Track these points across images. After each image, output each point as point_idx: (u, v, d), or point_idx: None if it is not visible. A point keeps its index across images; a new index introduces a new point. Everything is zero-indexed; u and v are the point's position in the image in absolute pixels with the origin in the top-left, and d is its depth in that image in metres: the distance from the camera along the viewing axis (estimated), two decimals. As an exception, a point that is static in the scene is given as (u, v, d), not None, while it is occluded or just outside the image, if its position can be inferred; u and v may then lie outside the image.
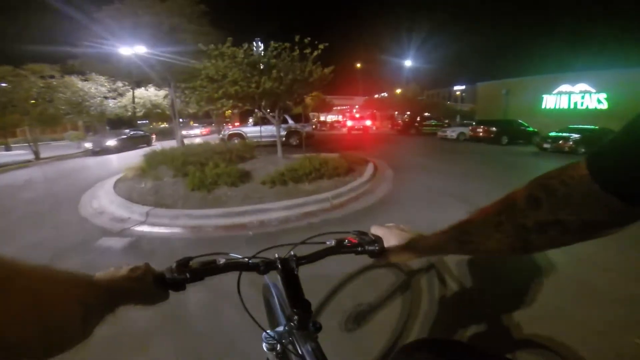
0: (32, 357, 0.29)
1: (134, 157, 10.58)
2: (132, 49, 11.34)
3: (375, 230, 0.78)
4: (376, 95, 46.21)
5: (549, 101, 23.92)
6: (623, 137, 0.34)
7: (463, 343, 0.87)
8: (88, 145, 17.28)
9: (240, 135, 13.93)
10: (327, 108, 38.99)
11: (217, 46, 7.20)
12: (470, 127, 17.74)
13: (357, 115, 28.21)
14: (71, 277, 0.39)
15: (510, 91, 26.99)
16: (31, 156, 16.47)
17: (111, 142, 16.66)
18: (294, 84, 7.55)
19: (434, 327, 2.17)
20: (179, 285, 0.60)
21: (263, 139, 13.47)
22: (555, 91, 23.72)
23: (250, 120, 15.97)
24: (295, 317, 0.66)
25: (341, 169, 6.72)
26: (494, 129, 16.08)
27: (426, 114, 25.72)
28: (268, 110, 8.23)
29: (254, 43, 7.66)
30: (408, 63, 36.52)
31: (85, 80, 18.62)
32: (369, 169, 7.50)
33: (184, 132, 21.53)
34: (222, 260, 0.66)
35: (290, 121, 14.09)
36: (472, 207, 4.57)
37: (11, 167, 13.68)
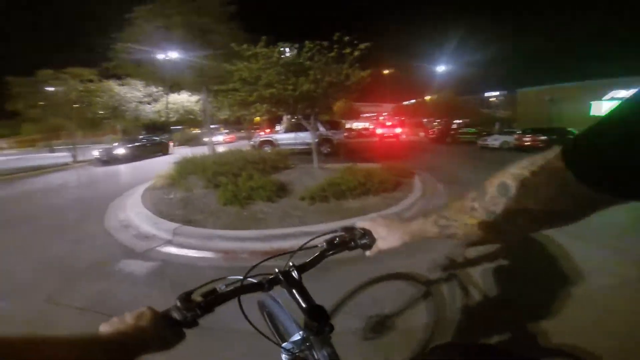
0: None
1: (143, 167, 10.89)
2: (164, 52, 11.14)
3: (362, 224, 0.78)
4: (405, 102, 44.94)
5: (599, 108, 22.01)
6: (597, 129, 0.35)
7: (493, 346, 0.99)
8: (95, 153, 15.24)
9: (271, 143, 13.41)
10: (355, 115, 38.19)
11: (249, 46, 6.66)
12: (515, 136, 16.28)
13: (389, 123, 27.19)
14: (76, 341, 0.35)
15: (554, 98, 25.16)
16: (70, 159, 16.94)
17: (120, 151, 14.89)
18: (330, 87, 6.92)
19: (456, 337, 2.07)
20: (192, 322, 0.57)
21: (296, 147, 12.89)
22: (607, 97, 21.73)
23: (278, 126, 15.47)
24: (315, 324, 0.64)
25: (388, 184, 5.86)
26: (543, 137, 14.63)
27: (459, 120, 24.36)
28: (299, 116, 7.61)
29: (288, 43, 7.05)
30: (441, 68, 34.99)
31: (122, 84, 18.96)
32: (417, 183, 6.60)
33: (206, 139, 20.44)
34: (223, 287, 0.64)
35: (322, 128, 13.38)
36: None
37: (49, 170, 13.94)
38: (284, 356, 0.76)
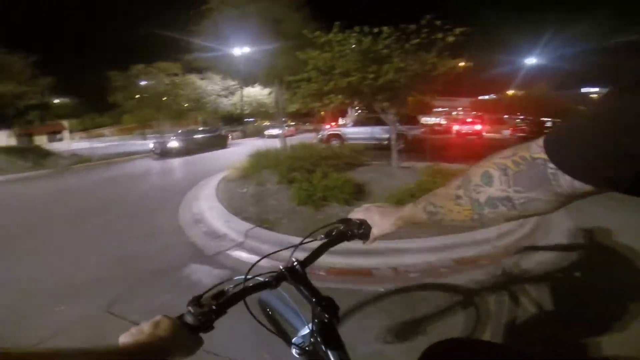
0: None
1: (199, 162, 10.72)
2: (237, 44, 11.16)
3: (357, 215, 0.78)
4: (482, 97, 40.55)
5: None
6: (578, 121, 0.37)
7: (492, 343, 0.94)
8: (152, 146, 14.71)
9: (339, 137, 12.75)
10: (427, 109, 35.51)
11: (322, 34, 6.10)
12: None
13: (469, 119, 24.61)
14: (95, 353, 0.35)
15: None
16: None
17: (174, 144, 13.96)
18: (416, 77, 6.04)
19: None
20: (208, 326, 0.58)
21: (366, 142, 12.05)
22: None
23: (343, 120, 14.69)
24: (326, 315, 0.66)
25: (491, 192, 4.73)
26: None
27: (550, 118, 20.98)
28: (364, 110, 6.82)
29: (364, 28, 6.26)
30: (531, 60, 30.43)
31: (203, 78, 20.12)
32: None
33: (275, 132, 19.72)
34: (231, 287, 0.64)
35: (396, 122, 12.27)
36: None
37: (139, 156, 15.32)
38: (294, 351, 0.77)
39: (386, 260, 3.16)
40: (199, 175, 8.13)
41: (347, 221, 0.80)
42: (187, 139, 15.05)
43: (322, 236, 0.79)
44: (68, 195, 7.13)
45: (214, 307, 0.58)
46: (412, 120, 12.42)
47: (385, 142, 12.28)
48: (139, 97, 17.25)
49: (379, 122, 12.67)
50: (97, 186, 7.96)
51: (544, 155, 0.38)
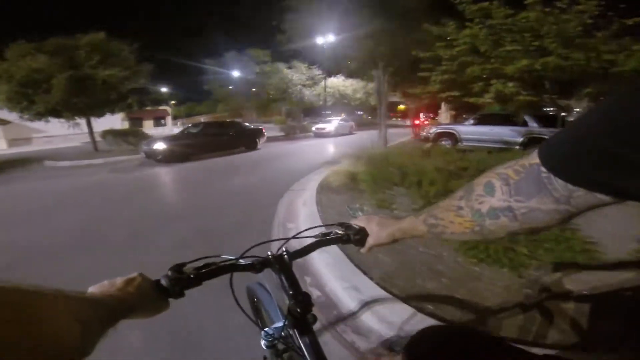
0: None
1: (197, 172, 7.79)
2: (329, 30, 9.40)
3: (358, 222, 0.76)
4: None
5: None
6: (570, 125, 0.37)
7: (471, 328, 0.98)
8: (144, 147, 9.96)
9: (451, 136, 10.11)
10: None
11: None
12: None
13: None
14: (63, 294, 0.35)
15: None
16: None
17: (161, 146, 9.34)
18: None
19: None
20: (178, 293, 0.56)
21: (489, 145, 9.32)
22: None
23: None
24: (298, 310, 0.63)
25: None
26: None
27: None
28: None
29: None
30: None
31: (289, 67, 19.15)
32: None
33: (315, 128, 17.83)
34: (217, 262, 0.64)
35: (532, 123, 9.16)
36: None
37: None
38: (263, 342, 0.74)
39: None
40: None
41: (346, 225, 0.76)
42: (183, 139, 10.23)
43: (319, 234, 0.76)
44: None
45: (190, 276, 0.57)
46: (552, 121, 9.14)
47: (517, 147, 9.33)
48: (229, 87, 16.97)
49: (507, 120, 9.80)
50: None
51: (537, 160, 0.38)
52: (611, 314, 1.89)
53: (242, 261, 0.66)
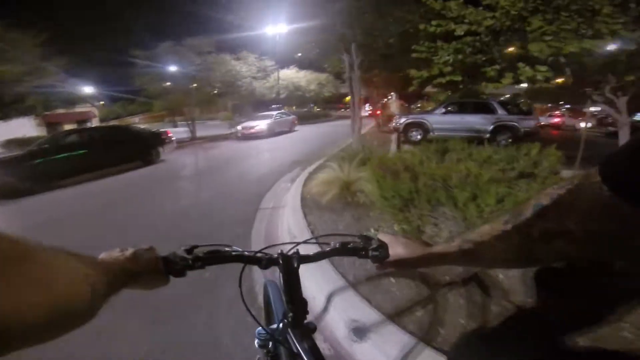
0: (40, 337, 0.27)
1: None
2: (285, 17, 8.16)
3: (382, 237, 0.67)
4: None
5: None
6: (636, 141, 0.32)
7: None
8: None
9: (422, 127, 9.50)
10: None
11: None
12: None
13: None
14: (79, 257, 0.36)
15: None
16: (188, 134, 16.15)
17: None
18: None
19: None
20: (179, 272, 0.55)
21: (460, 134, 8.90)
22: None
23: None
24: (290, 315, 0.63)
25: None
26: None
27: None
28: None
29: None
30: None
31: (237, 59, 17.26)
32: None
33: (243, 125, 14.08)
34: (225, 251, 0.63)
35: (500, 110, 8.92)
36: None
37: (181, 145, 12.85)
38: (256, 341, 0.74)
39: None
40: None
41: (367, 238, 0.67)
42: (27, 160, 6.56)
43: (337, 242, 0.68)
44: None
45: (195, 258, 0.57)
46: (519, 109, 9.03)
47: (487, 136, 9.04)
48: (165, 81, 14.62)
49: (478, 109, 9.48)
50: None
51: (599, 178, 0.33)
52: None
53: (252, 254, 0.64)
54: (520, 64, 3.85)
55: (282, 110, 17.23)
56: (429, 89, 24.79)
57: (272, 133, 14.24)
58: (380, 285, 1.93)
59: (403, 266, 0.64)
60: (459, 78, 4.53)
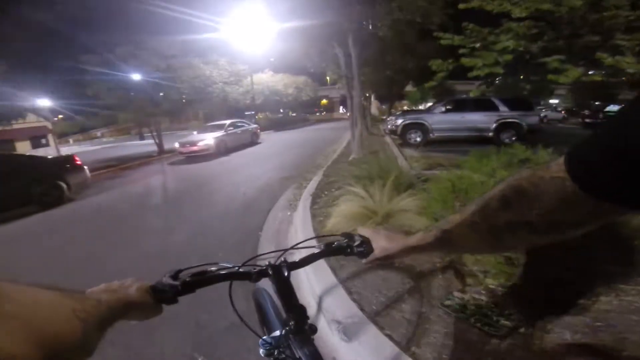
0: None
1: None
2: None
3: (363, 232, 0.70)
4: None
5: None
6: (606, 133, 0.32)
7: None
8: None
9: (421, 129, 8.54)
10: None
11: None
12: None
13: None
14: (65, 293, 0.35)
15: None
16: (155, 148, 14.43)
17: None
18: None
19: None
20: (170, 299, 0.54)
21: (462, 134, 8.06)
22: None
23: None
24: (292, 322, 0.63)
25: None
26: None
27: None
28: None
29: None
30: None
31: (206, 63, 15.71)
32: None
33: (182, 140, 10.70)
34: (213, 270, 0.62)
35: (502, 107, 8.20)
36: None
37: (134, 164, 11.18)
38: (261, 350, 0.71)
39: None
40: None
41: (349, 236, 0.70)
42: None
43: (321, 245, 0.71)
44: None
45: (183, 283, 0.55)
46: (526, 105, 8.34)
47: (490, 134, 8.27)
48: (125, 90, 12.87)
49: (479, 106, 8.67)
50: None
51: (562, 174, 0.33)
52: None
53: (239, 270, 0.63)
54: (601, 54, 3.00)
55: (236, 121, 13.32)
56: (409, 87, 24.47)
57: (224, 150, 10.76)
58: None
59: (387, 259, 0.66)
60: (500, 71, 3.62)
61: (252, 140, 13.18)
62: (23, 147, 26.00)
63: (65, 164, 6.35)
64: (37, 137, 27.82)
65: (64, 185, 5.96)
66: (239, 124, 13.00)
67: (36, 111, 18.11)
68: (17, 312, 0.26)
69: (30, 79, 13.45)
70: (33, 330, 0.27)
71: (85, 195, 6.49)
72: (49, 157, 6.82)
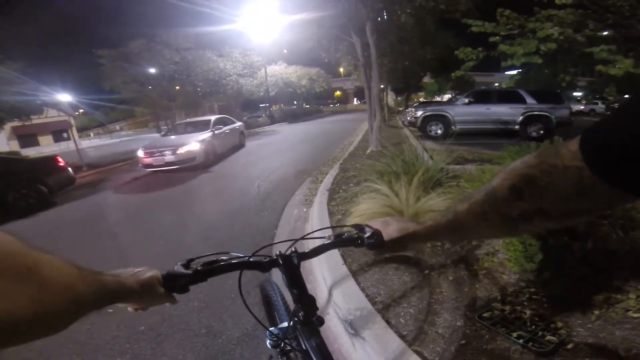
0: (18, 338, 0.27)
1: None
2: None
3: (374, 224, 0.69)
4: None
5: None
6: (623, 116, 0.30)
7: None
8: None
9: (443, 119, 8.21)
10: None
11: None
12: None
13: None
14: (72, 264, 0.35)
15: None
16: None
17: None
18: None
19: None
20: (182, 288, 0.55)
21: (486, 127, 7.69)
22: None
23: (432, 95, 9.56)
24: (301, 313, 0.62)
25: None
26: None
27: None
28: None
29: None
30: None
31: (220, 55, 15.70)
32: None
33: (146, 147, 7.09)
34: (224, 260, 0.62)
35: (530, 99, 7.78)
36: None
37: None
38: (268, 341, 0.73)
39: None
40: None
41: (360, 227, 0.69)
42: None
43: (332, 236, 0.71)
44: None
45: (195, 272, 0.55)
46: (554, 97, 7.90)
47: (516, 127, 7.88)
48: (141, 83, 13.02)
49: (505, 98, 8.24)
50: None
51: (578, 162, 0.32)
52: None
53: (249, 260, 0.63)
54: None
55: (226, 116, 10.55)
56: (426, 79, 23.78)
57: (212, 158, 7.77)
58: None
59: (398, 248, 0.66)
60: (539, 61, 3.35)
61: (240, 143, 10.37)
62: (45, 141, 26.93)
63: (46, 165, 5.88)
64: (59, 131, 28.72)
65: (45, 189, 5.47)
66: (223, 123, 9.21)
67: (57, 106, 18.62)
68: (31, 271, 0.28)
69: (47, 74, 13.82)
70: (36, 294, 0.28)
71: (101, 189, 6.61)
72: (28, 158, 6.70)
